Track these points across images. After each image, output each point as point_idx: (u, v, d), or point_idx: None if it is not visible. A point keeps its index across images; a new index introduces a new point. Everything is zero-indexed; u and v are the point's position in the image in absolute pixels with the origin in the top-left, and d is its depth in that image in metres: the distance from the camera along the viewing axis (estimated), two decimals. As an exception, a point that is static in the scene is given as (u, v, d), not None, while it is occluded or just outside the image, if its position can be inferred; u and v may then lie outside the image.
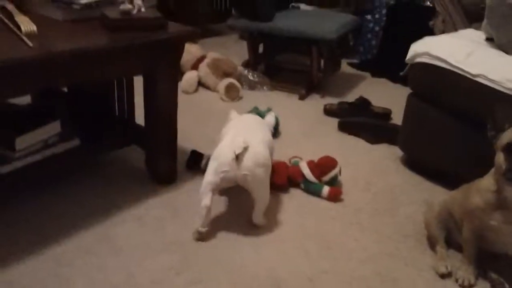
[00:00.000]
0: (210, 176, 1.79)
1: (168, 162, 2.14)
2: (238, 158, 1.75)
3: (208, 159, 1.87)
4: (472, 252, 1.68)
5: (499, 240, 1.61)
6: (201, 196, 1.80)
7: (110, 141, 2.18)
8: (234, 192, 2.03)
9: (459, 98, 2.07)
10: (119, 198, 2.03)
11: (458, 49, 2.12)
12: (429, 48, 2.20)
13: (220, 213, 1.99)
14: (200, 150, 2.33)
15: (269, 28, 3.24)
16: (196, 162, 2.26)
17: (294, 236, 1.89)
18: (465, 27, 3.05)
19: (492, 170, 1.59)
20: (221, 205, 2.03)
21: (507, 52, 2.11)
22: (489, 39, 2.26)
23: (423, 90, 2.27)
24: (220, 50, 3.74)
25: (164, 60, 1.91)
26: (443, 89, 2.14)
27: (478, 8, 2.43)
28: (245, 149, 1.76)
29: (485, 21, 2.24)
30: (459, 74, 2.06)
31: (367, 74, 3.82)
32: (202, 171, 2.15)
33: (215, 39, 4.58)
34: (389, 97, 3.29)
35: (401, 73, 2.41)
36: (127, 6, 1.84)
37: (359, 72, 3.87)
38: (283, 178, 2.16)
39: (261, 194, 1.86)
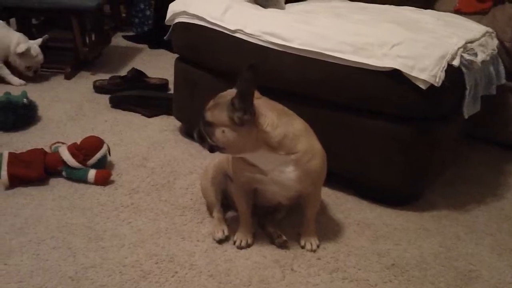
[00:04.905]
0: None
1: None
2: None
3: None
4: (245, 209, 1.61)
5: (267, 191, 1.57)
6: None
7: None
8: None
9: (221, 56, 1.99)
10: None
11: (214, 6, 2.03)
12: (186, 7, 2.08)
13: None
14: None
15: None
16: None
17: (55, 234, 1.61)
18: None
19: None
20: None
21: (263, 6, 2.09)
22: (247, -5, 2.22)
23: (187, 52, 2.15)
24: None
25: None
26: (204, 49, 2.04)
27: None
28: None
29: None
30: (218, 31, 1.98)
31: (145, 47, 3.61)
32: None
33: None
34: (169, 67, 3.12)
35: (165, 37, 2.25)
36: None
37: (135, 45, 3.63)
38: (39, 169, 1.84)
39: None
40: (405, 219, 1.78)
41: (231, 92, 1.43)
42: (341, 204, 1.85)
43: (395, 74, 1.63)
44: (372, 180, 1.84)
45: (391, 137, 1.73)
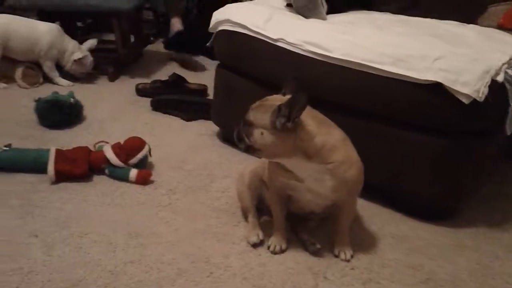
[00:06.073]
0: None
1: None
2: None
3: None
4: (279, 215, 1.64)
5: (302, 198, 1.58)
6: None
7: None
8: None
9: (262, 64, 2.03)
10: None
11: (256, 15, 2.07)
12: (230, 15, 2.13)
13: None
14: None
15: (57, 2, 2.93)
16: None
17: (96, 229, 1.67)
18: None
19: None
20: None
21: (305, 16, 2.12)
22: (289, 5, 2.26)
23: (228, 59, 2.20)
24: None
25: None
26: (246, 56, 2.08)
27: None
28: None
29: (284, -14, 2.23)
30: (261, 40, 2.02)
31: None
32: None
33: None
34: (209, 73, 3.20)
35: (207, 44, 2.31)
36: None
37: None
38: (83, 166, 1.91)
39: None
40: (440, 235, 1.77)
41: (279, 97, 1.46)
42: (375, 216, 1.85)
43: (435, 87, 1.63)
44: (407, 193, 1.84)
45: (428, 150, 1.72)
